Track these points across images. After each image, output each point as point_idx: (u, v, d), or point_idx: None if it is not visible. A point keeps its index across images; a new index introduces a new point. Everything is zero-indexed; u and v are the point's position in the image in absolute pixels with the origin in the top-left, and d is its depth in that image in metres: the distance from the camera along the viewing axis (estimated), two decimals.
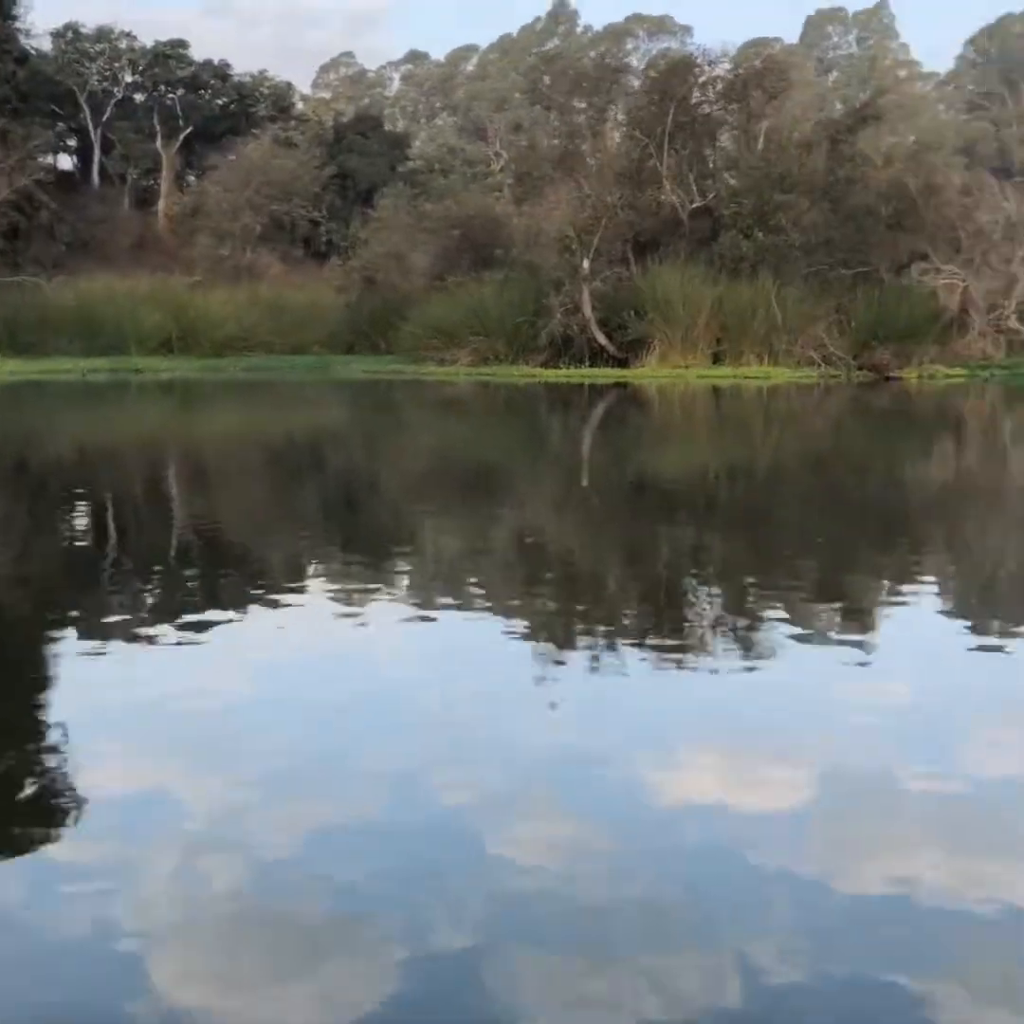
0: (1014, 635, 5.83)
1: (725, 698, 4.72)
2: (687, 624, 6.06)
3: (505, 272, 29.48)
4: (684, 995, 2.61)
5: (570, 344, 27.36)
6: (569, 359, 27.38)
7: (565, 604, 6.47)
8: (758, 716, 4.49)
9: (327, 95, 79.10)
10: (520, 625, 5.95)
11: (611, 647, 5.46)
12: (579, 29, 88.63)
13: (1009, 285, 25.91)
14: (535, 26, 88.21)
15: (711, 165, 29.33)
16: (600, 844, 3.38)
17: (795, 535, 8.84)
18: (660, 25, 78.09)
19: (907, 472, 12.68)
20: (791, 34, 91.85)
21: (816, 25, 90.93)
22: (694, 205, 28.37)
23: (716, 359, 26.74)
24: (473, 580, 7.18)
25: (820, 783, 3.84)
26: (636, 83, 30.95)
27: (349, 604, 6.29)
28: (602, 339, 27.17)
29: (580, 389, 24.50)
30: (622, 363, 27.09)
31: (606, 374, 26.47)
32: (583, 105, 30.25)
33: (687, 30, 75.26)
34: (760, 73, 29.33)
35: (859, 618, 6.18)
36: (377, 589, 6.69)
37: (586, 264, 26.60)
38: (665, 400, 22.78)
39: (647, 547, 8.37)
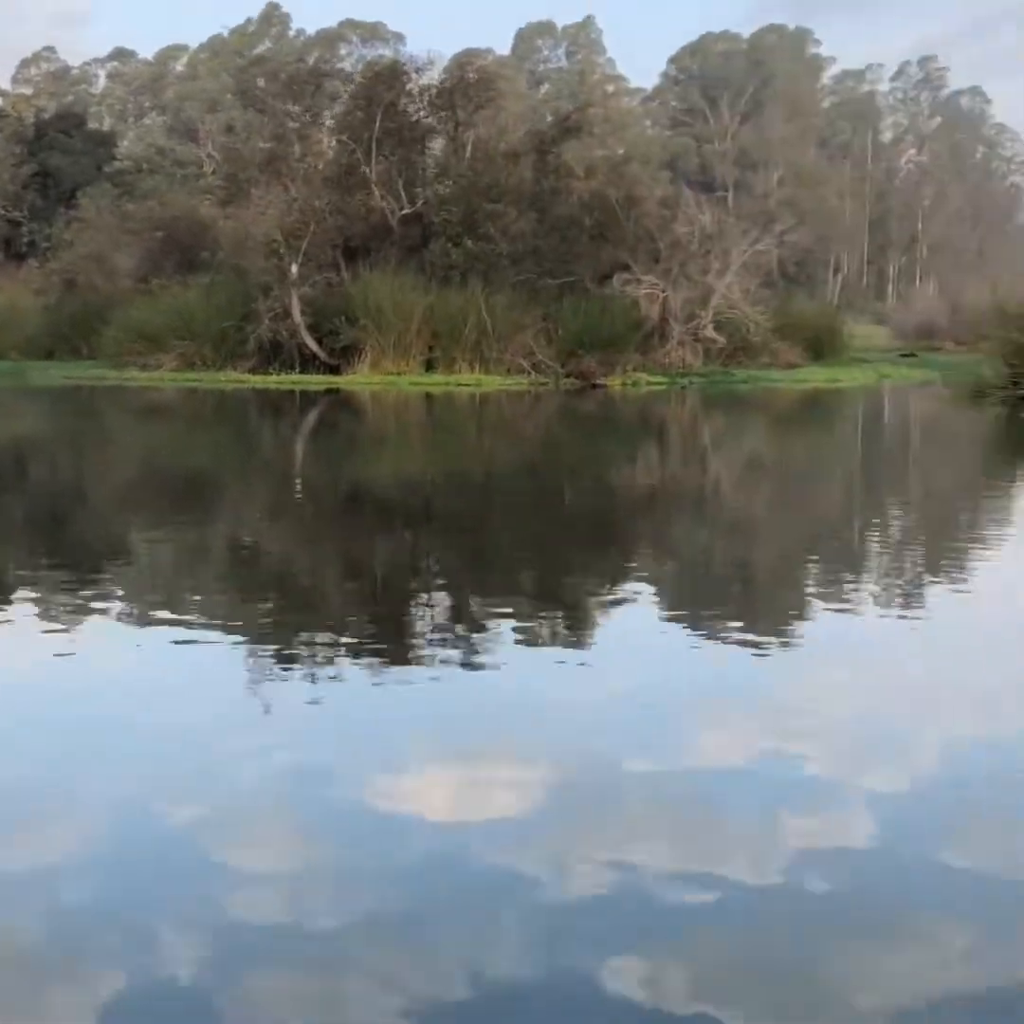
0: (725, 630, 5.96)
1: (448, 705, 4.68)
2: (407, 632, 5.98)
3: (211, 275, 28.77)
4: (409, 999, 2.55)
5: (280, 350, 26.91)
6: (279, 365, 26.91)
7: (282, 617, 6.29)
8: (484, 721, 4.50)
9: (28, 91, 75.53)
10: (237, 639, 5.71)
11: (331, 659, 5.31)
12: (291, 32, 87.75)
13: (706, 295, 26.90)
14: (246, 28, 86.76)
15: (420, 172, 29.32)
16: (329, 859, 3.32)
17: (511, 540, 8.89)
18: (373, 32, 78.14)
19: (614, 476, 12.94)
20: (503, 46, 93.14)
21: (526, 38, 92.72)
22: (404, 212, 28.32)
23: (428, 366, 26.76)
24: (186, 594, 6.91)
25: (549, 783, 3.85)
26: (344, 88, 30.62)
27: (55, 621, 5.97)
28: (313, 345, 26.81)
29: (291, 396, 24.08)
30: (334, 369, 26.79)
31: (317, 380, 26.12)
32: (292, 108, 29.76)
33: (400, 38, 75.54)
34: (466, 82, 29.54)
35: (576, 619, 6.24)
36: (85, 605, 6.31)
37: (295, 269, 26.20)
38: (378, 407, 22.64)
39: (363, 556, 8.24)
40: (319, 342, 26.88)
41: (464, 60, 30.89)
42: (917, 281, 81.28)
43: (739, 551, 8.61)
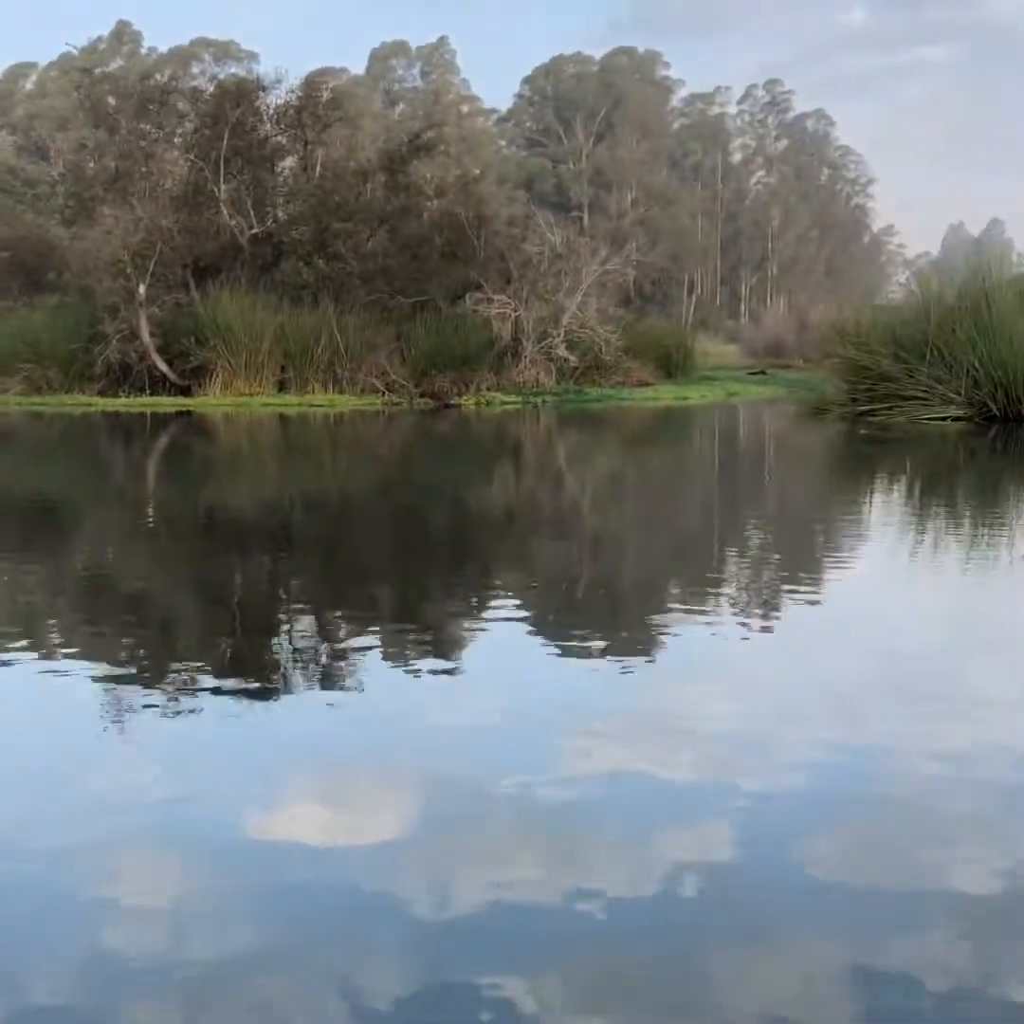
0: (590, 646, 6.01)
1: (317, 730, 4.63)
2: (271, 659, 5.87)
3: (59, 297, 28.17)
4: None
5: (129, 372, 26.44)
6: (129, 387, 26.45)
7: (140, 647, 6.14)
8: (354, 745, 4.46)
9: None
10: (91, 669, 5.54)
11: (195, 688, 5.19)
12: (143, 50, 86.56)
13: (557, 314, 27.17)
14: (97, 45, 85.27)
15: (270, 191, 29.13)
16: (202, 890, 3.27)
17: (372, 561, 8.82)
18: (226, 50, 77.56)
19: (472, 495, 13.01)
20: (358, 66, 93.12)
21: (381, 58, 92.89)
22: (254, 231, 28.09)
23: (281, 387, 26.55)
24: (36, 625, 6.70)
25: (422, 805, 3.85)
26: (193, 107, 30.27)
27: None
28: (163, 367, 26.41)
29: (141, 418, 23.65)
30: (185, 391, 26.42)
31: (168, 403, 25.70)
32: (140, 127, 29.33)
33: (254, 56, 75.06)
34: (315, 101, 29.47)
35: (442, 640, 6.22)
36: None
37: (142, 289, 25.78)
38: (231, 429, 22.37)
39: (222, 582, 8.10)
40: (169, 363, 26.48)
41: (313, 78, 30.71)
42: (768, 300, 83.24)
43: (598, 567, 8.72)
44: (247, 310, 25.94)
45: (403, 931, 2.98)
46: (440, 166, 66.97)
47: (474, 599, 7.34)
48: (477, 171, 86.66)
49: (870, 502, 12.08)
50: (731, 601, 7.01)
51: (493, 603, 7.16)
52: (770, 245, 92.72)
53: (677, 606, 7.13)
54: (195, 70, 67.58)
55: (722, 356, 55.24)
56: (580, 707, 4.92)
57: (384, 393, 25.94)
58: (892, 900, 3.09)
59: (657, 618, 6.78)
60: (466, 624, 6.67)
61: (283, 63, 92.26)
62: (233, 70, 52.58)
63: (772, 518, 11.28)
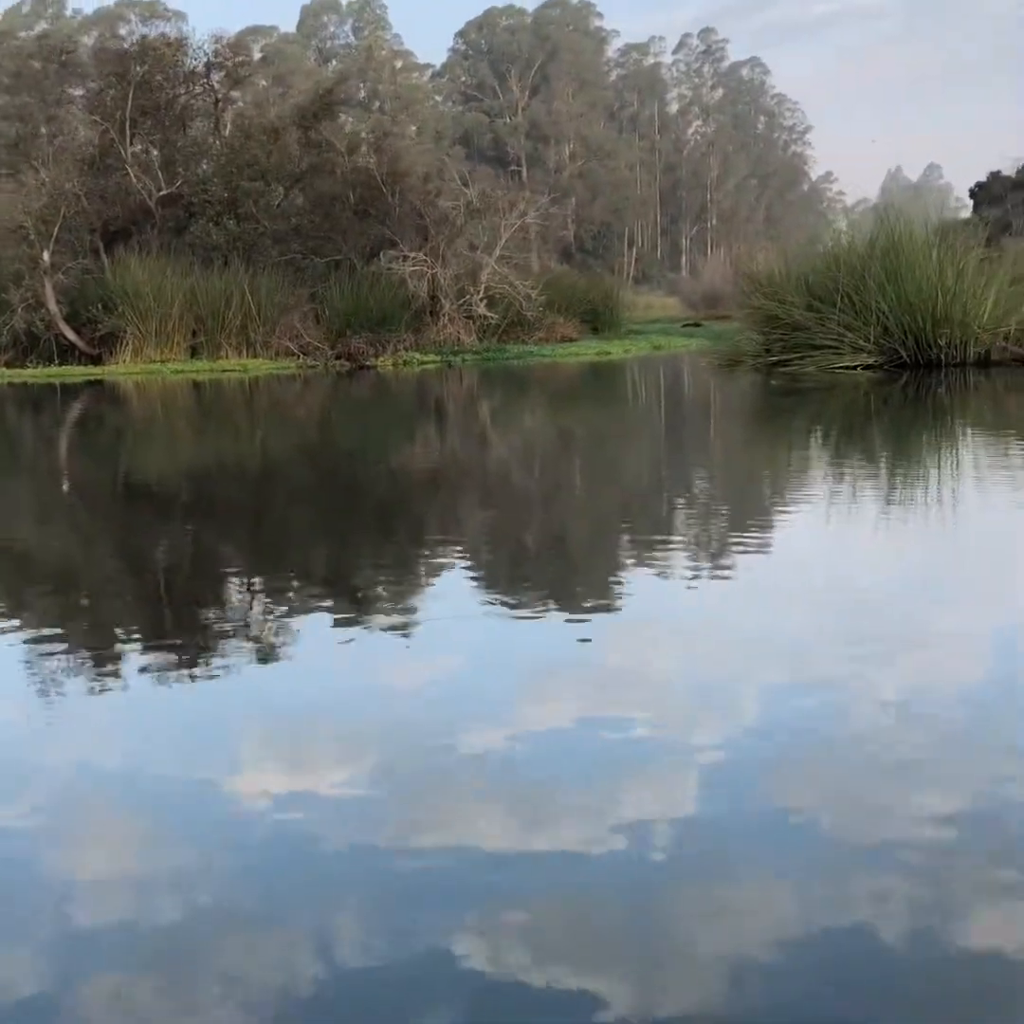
0: (546, 604, 5.83)
1: (265, 697, 4.49)
2: (208, 628, 5.61)
3: None
4: None
5: (37, 342, 25.80)
6: (36, 357, 25.81)
7: (61, 619, 5.88)
8: (304, 711, 4.32)
9: None
10: (23, 642, 5.30)
11: (131, 659, 5.02)
12: (68, 12, 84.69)
13: (475, 271, 26.73)
14: (21, 8, 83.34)
15: (178, 151, 28.43)
16: (169, 857, 3.18)
17: (304, 528, 8.54)
18: (152, 10, 75.86)
19: (394, 457, 12.68)
20: (289, 23, 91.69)
21: (312, 14, 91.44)
22: (162, 193, 27.42)
23: (194, 352, 25.99)
24: None
25: (383, 766, 3.75)
26: (98, 68, 29.48)
27: None
28: (71, 335, 25.78)
29: (50, 389, 23.09)
30: (95, 360, 25.82)
31: (78, 372, 25.10)
32: (40, 88, 28.54)
33: (182, 16, 73.54)
34: (223, 57, 28.75)
35: (386, 603, 6.01)
36: None
37: (47, 256, 25.11)
38: (144, 397, 21.85)
39: (145, 553, 7.78)
40: (78, 332, 25.86)
41: (218, 35, 29.92)
42: (709, 250, 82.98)
43: (530, 524, 8.53)
44: (156, 274, 25.33)
45: (367, 888, 2.93)
46: (376, 123, 66.15)
47: (418, 560, 7.15)
48: (414, 128, 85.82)
49: (787, 455, 11.82)
50: (672, 553, 6.91)
51: (437, 564, 6.96)
52: (709, 195, 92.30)
53: (624, 560, 7.02)
54: (122, 32, 66.31)
55: (663, 308, 55.10)
56: (536, 661, 4.83)
57: (299, 356, 25.44)
58: (855, 842, 3.07)
59: (603, 573, 6.69)
60: (412, 585, 6.49)
61: (212, 22, 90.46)
62: (161, 30, 51.44)
63: (689, 473, 11.02)
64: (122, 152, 27.56)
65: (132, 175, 27.33)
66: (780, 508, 8.55)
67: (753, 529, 7.74)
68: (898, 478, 9.63)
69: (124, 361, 25.40)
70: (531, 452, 13.10)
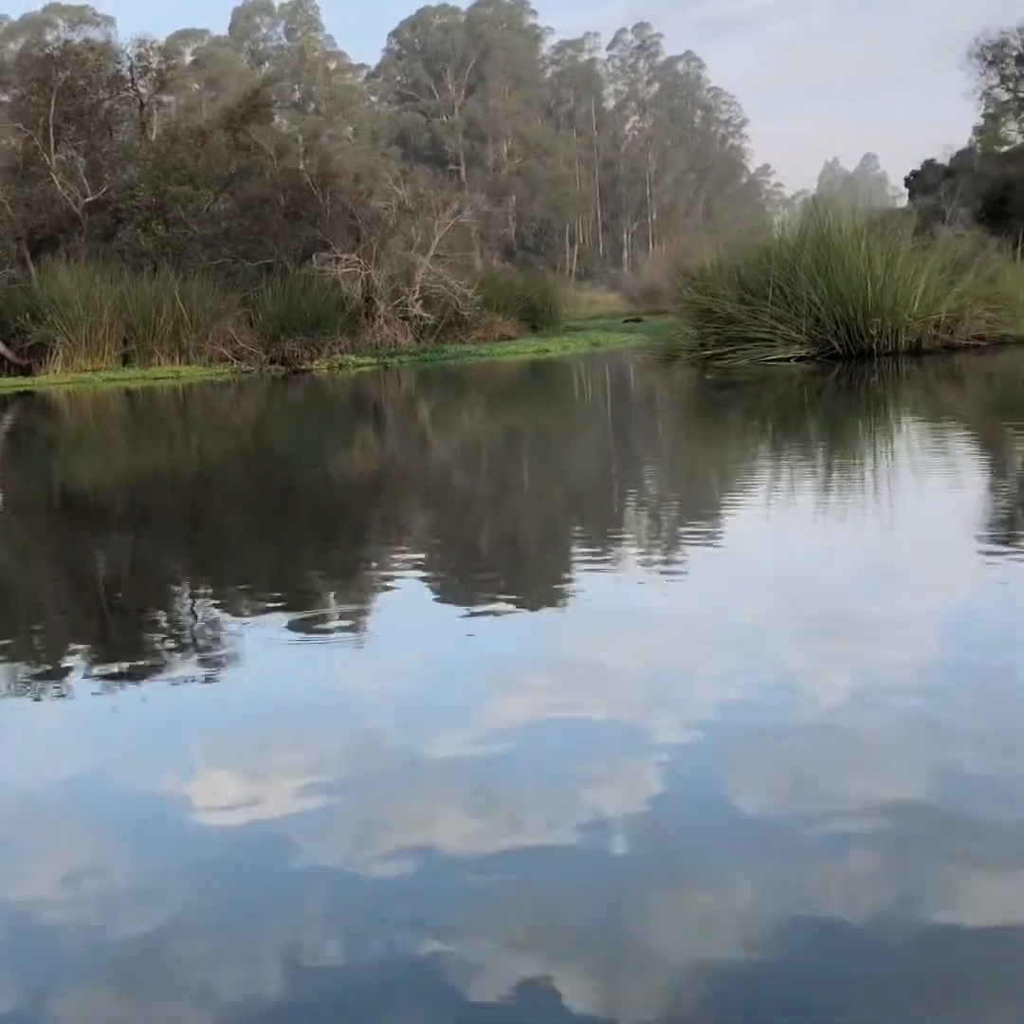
0: (499, 603, 5.76)
1: (221, 707, 4.44)
2: (141, 641, 5.45)
3: None
4: None
5: None
6: None
7: (8, 634, 5.72)
8: (261, 720, 4.24)
9: None
10: None
11: (78, 673, 4.89)
12: None
13: (409, 271, 26.52)
14: None
15: (105, 157, 28.00)
16: (131, 868, 3.13)
17: (247, 535, 8.39)
18: (80, 15, 74.97)
19: (334, 461, 12.49)
20: (221, 26, 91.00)
21: (245, 16, 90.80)
22: (88, 199, 26.99)
23: (125, 360, 25.62)
24: None
25: (344, 770, 3.69)
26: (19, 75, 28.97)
27: None
28: (0, 347, 25.34)
29: None
30: (25, 371, 25.40)
31: (8, 384, 24.68)
32: None
33: (110, 21, 72.76)
34: (147, 62, 28.37)
35: (347, 605, 5.95)
36: None
37: None
38: (76, 408, 21.50)
39: (84, 566, 7.62)
40: (7, 343, 25.43)
41: (142, 39, 29.50)
42: (650, 245, 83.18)
43: (474, 524, 8.43)
44: (85, 282, 24.93)
45: (333, 890, 2.91)
46: (311, 124, 65.64)
47: (364, 564, 7.06)
48: (350, 128, 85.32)
49: (725, 450, 11.71)
50: (621, 550, 6.86)
51: (385, 566, 6.85)
52: (648, 190, 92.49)
53: (572, 557, 6.93)
54: (49, 37, 65.45)
55: (606, 304, 55.17)
56: (495, 659, 4.80)
57: (233, 361, 25.12)
58: (817, 829, 3.07)
59: (559, 569, 6.62)
60: (366, 588, 6.37)
61: (142, 26, 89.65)
62: (89, 35, 50.84)
63: (627, 470, 10.91)
64: (46, 159, 27.12)
65: (57, 182, 26.90)
66: (723, 502, 8.47)
67: (698, 523, 7.67)
68: (837, 469, 9.58)
69: (55, 371, 25.00)
70: (470, 452, 12.96)
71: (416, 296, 26.40)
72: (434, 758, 3.71)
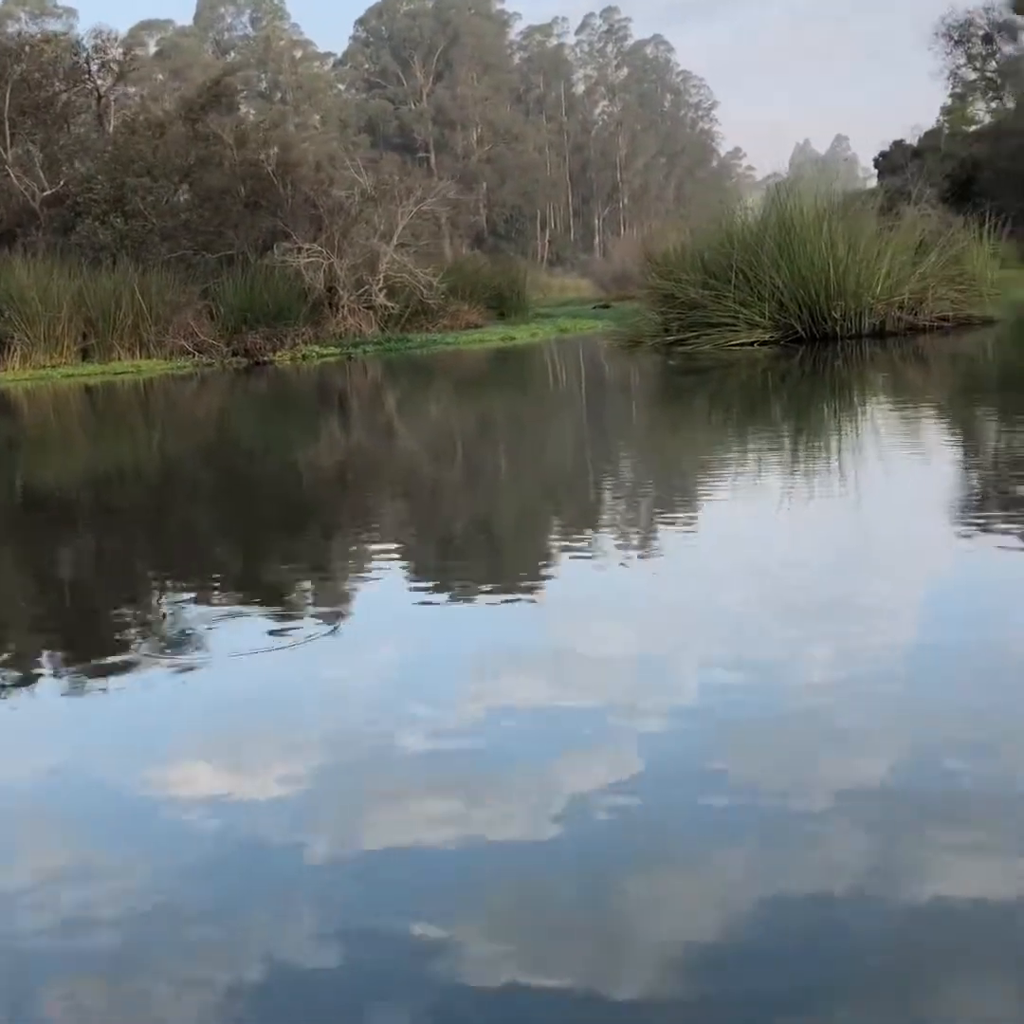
0: (475, 591, 5.76)
1: (199, 701, 4.38)
2: (117, 639, 5.37)
3: None
4: None
5: None
6: None
7: None
8: (240, 712, 4.24)
9: None
10: None
11: (55, 671, 4.88)
12: None
13: (373, 260, 26.23)
14: None
15: (62, 150, 27.62)
16: (113, 860, 3.14)
17: (207, 532, 8.30)
18: (41, 7, 74.19)
19: (299, 454, 12.28)
20: (186, 16, 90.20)
21: (209, 6, 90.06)
22: (46, 193, 26.63)
23: (85, 355, 25.27)
24: None
25: (323, 762, 3.68)
26: None
27: None
28: None
29: None
30: None
31: None
32: None
33: (72, 12, 72.06)
34: (104, 53, 27.99)
35: (316, 600, 5.85)
36: None
37: None
38: (35, 405, 21.17)
39: (53, 564, 7.46)
40: None
41: (99, 31, 29.09)
42: (622, 230, 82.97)
43: (443, 513, 8.37)
44: (42, 277, 24.56)
45: (317, 880, 2.90)
46: (278, 114, 65.08)
47: (336, 556, 7.02)
48: (317, 116, 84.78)
49: (689, 436, 11.60)
50: (599, 536, 6.85)
51: (359, 557, 6.80)
52: (619, 175, 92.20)
53: (552, 544, 6.92)
54: (11, 30, 64.72)
55: (577, 290, 55.00)
56: (476, 648, 4.80)
57: (195, 354, 24.80)
58: (800, 814, 3.08)
59: (534, 557, 6.62)
60: (344, 578, 6.37)
61: (105, 17, 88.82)
62: (52, 27, 50.32)
63: (594, 457, 10.76)
64: (2, 154, 26.72)
65: (13, 177, 26.51)
66: (695, 489, 8.37)
67: (672, 510, 7.63)
68: (805, 453, 9.53)
69: (13, 368, 24.62)
70: (437, 441, 12.81)
71: (380, 285, 26.13)
72: (411, 747, 3.71)
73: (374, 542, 7.38)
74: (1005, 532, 5.96)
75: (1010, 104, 54.84)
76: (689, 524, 7.05)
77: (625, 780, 3.37)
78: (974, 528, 6.23)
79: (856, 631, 4.56)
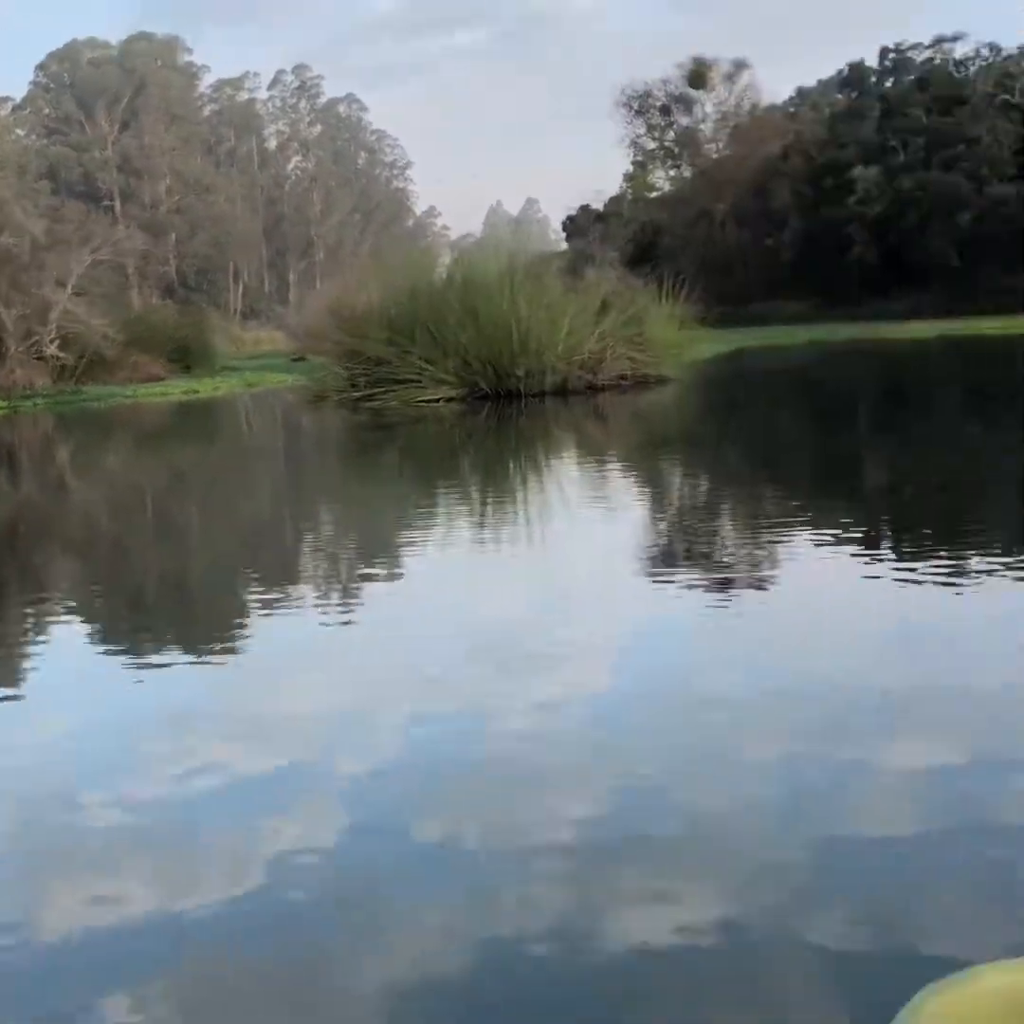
0: (163, 652, 5.48)
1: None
2: None
3: None
4: None
5: None
6: None
7: None
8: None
9: None
10: None
11: None
12: None
13: (45, 310, 24.90)
14: None
15: None
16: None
17: None
18: None
19: None
20: None
21: None
22: None
23: None
24: None
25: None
26: None
27: None
28: None
29: None
30: None
31: None
32: None
33: None
34: None
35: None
36: None
37: None
38: None
39: None
40: None
41: None
42: (318, 284, 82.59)
43: (137, 570, 8.02)
44: None
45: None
46: None
47: (20, 617, 6.57)
48: None
49: (376, 492, 11.40)
50: (289, 592, 6.68)
51: (39, 620, 6.39)
52: (314, 230, 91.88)
53: (243, 600, 6.68)
54: None
55: (273, 343, 54.44)
56: (169, 711, 4.51)
57: None
58: (506, 848, 3.12)
59: (227, 614, 6.43)
60: (12, 642, 5.94)
61: None
62: None
63: (274, 513, 10.50)
64: None
65: None
66: (389, 543, 8.32)
67: (367, 563, 7.58)
68: (493, 507, 9.62)
69: None
70: (116, 495, 12.39)
71: (52, 336, 24.79)
72: (97, 819, 3.52)
73: (48, 600, 7.01)
74: (685, 584, 5.99)
75: (687, 173, 57.67)
76: (386, 579, 6.97)
77: (323, 836, 3.30)
78: (657, 577, 6.29)
79: (558, 678, 4.59)
